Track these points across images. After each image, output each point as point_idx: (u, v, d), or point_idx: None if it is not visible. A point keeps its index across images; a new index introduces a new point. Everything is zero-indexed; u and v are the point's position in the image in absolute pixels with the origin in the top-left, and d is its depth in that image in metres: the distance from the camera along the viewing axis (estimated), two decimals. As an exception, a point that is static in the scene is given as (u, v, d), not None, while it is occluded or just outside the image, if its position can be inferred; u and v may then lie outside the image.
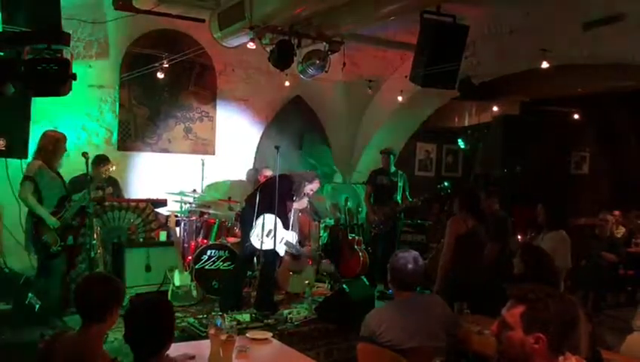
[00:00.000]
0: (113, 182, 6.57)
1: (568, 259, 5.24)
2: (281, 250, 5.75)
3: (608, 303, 7.53)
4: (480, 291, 4.51)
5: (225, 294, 5.90)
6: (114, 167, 5.97)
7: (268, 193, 5.65)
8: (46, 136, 5.26)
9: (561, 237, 5.27)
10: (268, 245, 5.61)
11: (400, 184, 7.53)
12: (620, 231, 8.41)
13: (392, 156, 7.57)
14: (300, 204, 6.04)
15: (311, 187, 5.81)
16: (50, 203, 5.16)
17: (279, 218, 5.59)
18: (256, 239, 5.65)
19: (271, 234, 5.59)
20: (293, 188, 5.74)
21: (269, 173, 6.89)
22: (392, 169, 7.54)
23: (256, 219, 5.60)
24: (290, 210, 5.87)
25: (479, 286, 4.64)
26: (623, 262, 7.70)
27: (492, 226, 5.56)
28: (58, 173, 5.29)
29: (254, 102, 8.21)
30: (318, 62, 5.94)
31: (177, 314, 5.36)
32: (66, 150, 5.31)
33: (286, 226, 5.77)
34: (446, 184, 7.15)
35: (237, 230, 6.92)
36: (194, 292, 6.04)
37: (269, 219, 5.59)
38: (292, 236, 5.93)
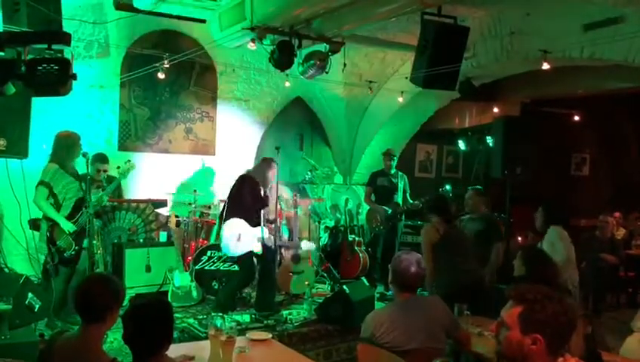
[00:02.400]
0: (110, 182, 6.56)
1: (566, 253, 5.22)
2: (257, 248, 5.71)
3: (608, 305, 7.53)
4: (472, 293, 4.48)
5: (223, 297, 5.88)
6: (118, 167, 5.73)
7: (231, 200, 5.77)
8: (60, 137, 5.21)
9: (557, 232, 5.32)
10: (243, 248, 5.63)
11: (400, 186, 7.54)
12: (621, 233, 8.41)
13: (394, 158, 7.60)
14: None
15: (272, 172, 5.84)
16: (68, 206, 5.13)
17: (245, 219, 5.62)
18: (228, 248, 5.66)
19: (241, 238, 5.61)
20: (260, 182, 5.77)
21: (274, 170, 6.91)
22: (393, 170, 7.56)
23: (222, 226, 5.67)
24: (263, 206, 5.83)
25: (470, 288, 4.61)
26: (623, 263, 7.70)
27: (489, 228, 5.63)
28: (76, 174, 5.22)
29: (255, 103, 8.21)
30: (318, 63, 5.95)
31: (177, 315, 5.37)
32: (81, 149, 5.21)
33: (256, 223, 5.72)
34: (448, 188, 7.13)
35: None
36: (194, 293, 6.05)
37: (235, 224, 5.63)
38: (262, 231, 5.88)
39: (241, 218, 5.64)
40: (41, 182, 5.06)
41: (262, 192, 5.80)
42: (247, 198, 5.67)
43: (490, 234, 5.69)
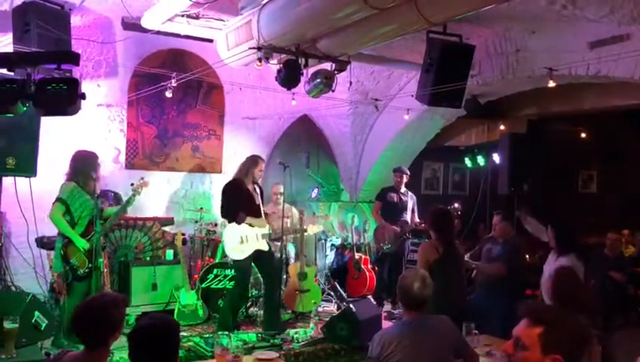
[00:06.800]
0: (118, 200, 6.58)
1: None
2: (264, 246, 5.81)
3: (618, 323, 7.43)
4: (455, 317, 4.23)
5: (222, 313, 5.86)
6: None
7: (227, 205, 5.84)
8: (77, 157, 5.24)
9: (569, 263, 4.87)
10: (249, 250, 5.68)
11: (409, 205, 7.53)
12: (629, 251, 8.33)
13: (404, 175, 7.61)
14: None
15: (259, 168, 5.91)
16: (83, 223, 5.14)
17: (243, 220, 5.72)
18: (233, 252, 5.66)
19: (245, 240, 5.68)
20: (241, 179, 5.84)
21: (280, 188, 6.90)
22: (402, 188, 7.58)
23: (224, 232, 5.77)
24: (257, 202, 5.88)
25: (455, 312, 4.34)
26: (631, 281, 7.61)
27: (508, 256, 5.43)
28: (94, 193, 5.21)
29: (261, 121, 8.24)
30: (324, 81, 5.96)
31: (183, 334, 5.34)
32: (98, 168, 5.24)
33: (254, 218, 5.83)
34: (456, 205, 7.08)
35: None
36: (200, 312, 6.03)
37: (233, 229, 5.71)
38: (268, 228, 5.93)
39: (235, 222, 5.72)
40: (59, 199, 5.09)
41: (248, 187, 5.84)
42: (233, 202, 5.79)
43: (507, 260, 5.41)
